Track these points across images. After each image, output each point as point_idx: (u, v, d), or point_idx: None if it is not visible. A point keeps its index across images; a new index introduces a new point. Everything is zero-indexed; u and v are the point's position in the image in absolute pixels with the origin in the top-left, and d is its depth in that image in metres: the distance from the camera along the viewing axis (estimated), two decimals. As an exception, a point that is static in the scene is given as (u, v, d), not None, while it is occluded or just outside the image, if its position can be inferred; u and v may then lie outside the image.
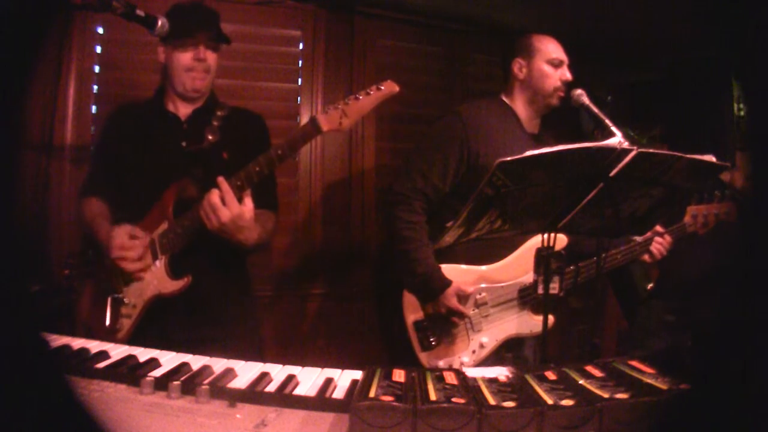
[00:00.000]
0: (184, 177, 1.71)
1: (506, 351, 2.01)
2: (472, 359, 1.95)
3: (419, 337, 1.95)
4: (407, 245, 1.93)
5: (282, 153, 1.56)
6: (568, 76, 2.06)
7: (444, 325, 1.94)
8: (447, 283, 1.89)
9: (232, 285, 1.85)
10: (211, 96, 1.89)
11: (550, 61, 2.05)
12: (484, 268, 1.97)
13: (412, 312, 1.97)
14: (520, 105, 2.10)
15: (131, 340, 1.65)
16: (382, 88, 1.52)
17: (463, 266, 1.96)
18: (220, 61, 1.85)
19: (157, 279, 1.68)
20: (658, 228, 2.05)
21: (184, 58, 1.75)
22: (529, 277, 1.93)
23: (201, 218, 1.59)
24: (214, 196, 1.54)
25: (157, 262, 1.68)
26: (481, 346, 1.96)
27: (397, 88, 1.52)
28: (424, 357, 1.95)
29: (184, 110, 1.84)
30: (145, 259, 1.67)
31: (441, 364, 1.92)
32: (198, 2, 1.85)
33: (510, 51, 2.13)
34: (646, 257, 2.08)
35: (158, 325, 1.69)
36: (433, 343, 1.94)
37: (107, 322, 1.69)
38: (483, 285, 1.96)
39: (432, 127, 2.11)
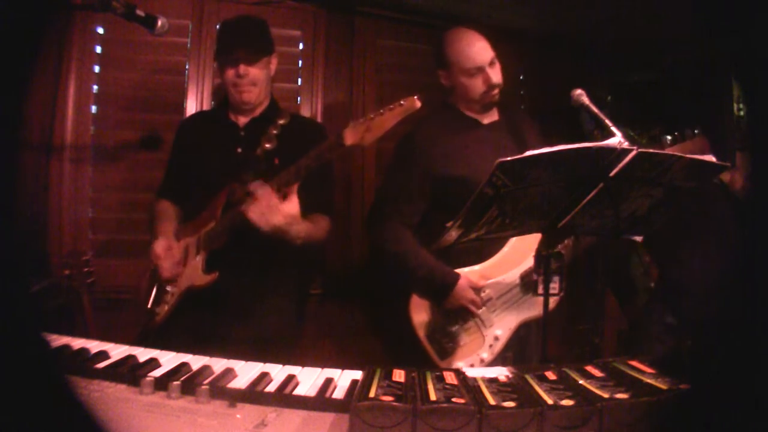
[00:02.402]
0: (236, 181, 1.79)
1: (507, 351, 2.01)
2: (490, 353, 1.95)
3: (435, 349, 1.95)
4: (401, 258, 1.95)
5: (308, 166, 1.60)
6: (494, 79, 1.95)
7: (455, 329, 1.95)
8: (456, 276, 1.90)
9: (268, 285, 1.88)
10: (272, 104, 1.98)
11: (466, 72, 1.96)
12: (479, 267, 1.97)
13: (421, 319, 1.96)
14: (463, 106, 2.07)
15: (164, 325, 1.83)
16: (403, 103, 1.48)
17: (465, 269, 1.95)
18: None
19: (192, 272, 1.80)
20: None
21: (228, 74, 1.86)
22: (528, 262, 1.93)
23: (235, 220, 1.69)
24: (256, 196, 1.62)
25: (198, 257, 1.80)
26: (496, 338, 1.96)
27: (418, 104, 1.47)
28: (444, 364, 1.94)
29: (243, 119, 1.95)
30: (180, 264, 1.83)
31: (462, 365, 1.92)
32: (243, 17, 1.96)
33: (434, 60, 2.07)
34: None
35: (191, 320, 1.78)
36: (449, 350, 1.95)
37: (149, 305, 1.88)
38: (485, 282, 1.96)
39: (394, 149, 2.10)
